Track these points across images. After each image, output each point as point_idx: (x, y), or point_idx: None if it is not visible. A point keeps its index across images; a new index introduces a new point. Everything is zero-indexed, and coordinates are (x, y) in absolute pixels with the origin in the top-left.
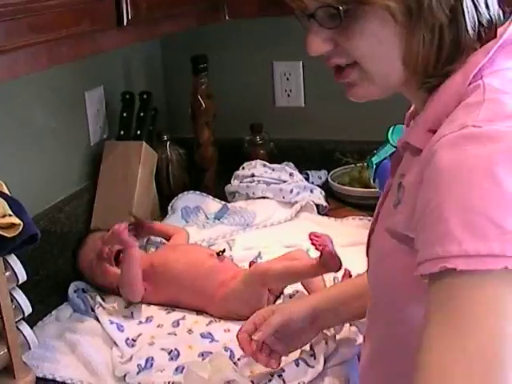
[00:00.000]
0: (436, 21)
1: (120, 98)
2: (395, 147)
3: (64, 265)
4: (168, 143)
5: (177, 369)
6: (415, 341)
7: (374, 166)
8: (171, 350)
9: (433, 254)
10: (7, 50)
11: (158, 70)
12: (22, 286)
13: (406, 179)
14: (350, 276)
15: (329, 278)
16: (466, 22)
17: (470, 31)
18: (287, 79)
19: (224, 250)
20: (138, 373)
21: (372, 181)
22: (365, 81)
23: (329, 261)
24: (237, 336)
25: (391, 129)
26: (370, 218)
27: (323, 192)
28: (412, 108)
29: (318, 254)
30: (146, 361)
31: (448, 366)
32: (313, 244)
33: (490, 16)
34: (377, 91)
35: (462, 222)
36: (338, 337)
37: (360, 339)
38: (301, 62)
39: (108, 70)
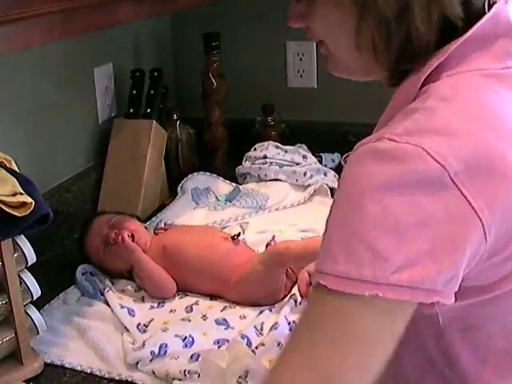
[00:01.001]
0: (382, 14)
1: (129, 76)
2: None
3: (71, 246)
4: (178, 122)
5: (192, 356)
6: None
7: None
8: (185, 337)
9: (316, 265)
10: (21, 18)
11: (168, 47)
12: (28, 268)
13: None
14: None
15: None
16: (415, 20)
17: (423, 29)
18: (300, 59)
19: (239, 234)
20: (151, 360)
21: None
22: (332, 60)
23: None
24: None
25: None
26: None
27: (337, 175)
28: None
29: None
30: (160, 347)
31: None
32: None
33: (462, 11)
34: (345, 72)
35: (342, 241)
36: None
37: None
38: (314, 43)
39: (118, 46)
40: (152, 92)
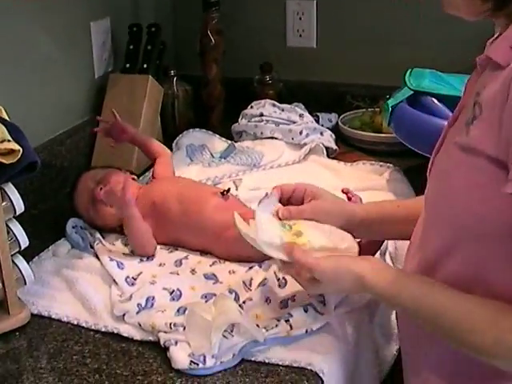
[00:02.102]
0: None
1: (127, 31)
2: (412, 90)
3: (64, 199)
4: (175, 79)
5: (178, 310)
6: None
7: (390, 109)
8: (173, 290)
9: None
10: None
11: (168, 2)
12: (18, 219)
13: (484, 96)
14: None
15: None
16: None
17: None
18: (300, 19)
19: (229, 189)
20: (137, 312)
21: (387, 124)
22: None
23: None
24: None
25: (408, 71)
26: (381, 163)
27: (333, 135)
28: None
29: None
30: (147, 300)
31: None
32: (348, 198)
33: None
34: (455, 11)
35: None
36: None
37: None
38: (314, 1)
39: (115, 0)
40: (149, 47)
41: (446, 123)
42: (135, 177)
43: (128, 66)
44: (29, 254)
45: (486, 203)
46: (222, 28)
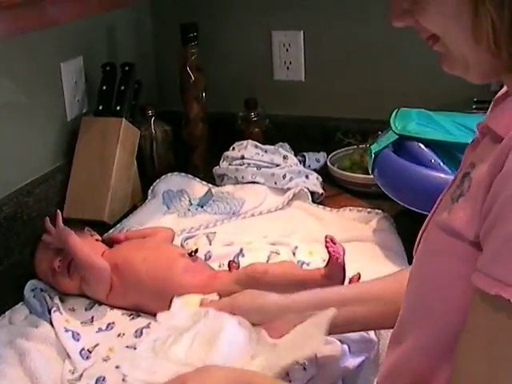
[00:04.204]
0: None
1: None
2: (398, 134)
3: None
4: (152, 119)
5: None
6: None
7: (373, 156)
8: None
9: (492, 271)
10: None
11: (146, 39)
12: None
13: (478, 170)
14: (359, 279)
15: None
16: None
17: None
18: (286, 50)
19: (197, 250)
20: None
21: (370, 171)
22: (448, 56)
23: (336, 273)
24: None
25: (394, 112)
26: (369, 209)
27: (320, 178)
28: (503, 89)
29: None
30: (97, 381)
31: None
32: (326, 247)
33: None
34: (463, 70)
35: None
36: (319, 356)
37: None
38: (302, 32)
39: (90, 38)
40: (122, 88)
41: (431, 172)
42: (99, 237)
43: (101, 107)
44: None
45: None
46: (203, 63)
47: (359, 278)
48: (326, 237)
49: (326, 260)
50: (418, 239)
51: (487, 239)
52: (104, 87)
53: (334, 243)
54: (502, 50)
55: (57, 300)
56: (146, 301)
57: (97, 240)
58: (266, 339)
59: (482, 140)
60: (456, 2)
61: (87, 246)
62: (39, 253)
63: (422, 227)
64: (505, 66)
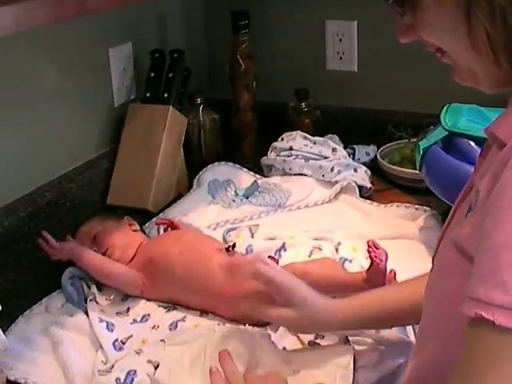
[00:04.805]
0: (490, 2)
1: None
2: (448, 131)
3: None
4: (201, 107)
5: None
6: None
7: (421, 152)
8: (158, 364)
9: (474, 292)
10: None
11: (198, 26)
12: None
13: (484, 182)
14: (395, 278)
15: None
16: None
17: None
18: (340, 40)
19: (234, 245)
20: None
21: (418, 168)
22: (457, 68)
23: (377, 278)
24: None
25: (445, 108)
26: (417, 206)
27: (368, 171)
28: None
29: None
30: (127, 375)
31: None
32: (368, 252)
33: None
34: (473, 80)
35: None
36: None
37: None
38: (355, 22)
39: (140, 24)
40: (170, 75)
41: None
42: (137, 227)
43: (149, 95)
44: (24, 305)
45: None
46: (253, 52)
47: (395, 275)
48: (368, 242)
49: (369, 259)
50: (435, 250)
51: (475, 257)
52: (152, 74)
53: (377, 248)
54: (500, 58)
55: (94, 289)
56: (181, 295)
57: (135, 230)
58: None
59: (492, 147)
60: (450, 14)
61: (98, 256)
62: (76, 241)
63: (439, 236)
64: (509, 74)
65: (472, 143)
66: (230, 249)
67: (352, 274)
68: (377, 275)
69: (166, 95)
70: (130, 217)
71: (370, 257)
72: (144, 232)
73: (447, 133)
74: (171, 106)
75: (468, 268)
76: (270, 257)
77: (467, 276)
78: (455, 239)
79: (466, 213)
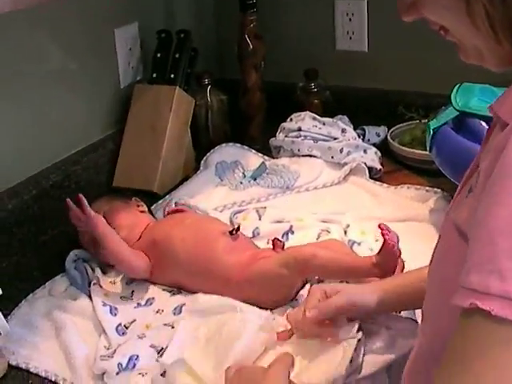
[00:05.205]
0: None
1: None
2: (458, 111)
3: None
4: (209, 88)
5: (162, 374)
6: None
7: (432, 132)
8: (161, 348)
9: (467, 281)
10: None
11: (205, 6)
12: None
13: (484, 163)
14: (403, 267)
15: None
16: None
17: None
18: (349, 20)
19: (238, 228)
20: (117, 373)
21: (428, 149)
22: (461, 45)
23: (388, 262)
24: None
25: (456, 87)
26: (427, 188)
27: (378, 152)
28: None
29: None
30: (129, 359)
31: None
32: (382, 235)
33: None
34: (477, 58)
35: None
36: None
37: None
38: (365, 1)
39: (146, 4)
40: (177, 55)
41: None
42: (145, 209)
43: (155, 75)
44: (27, 288)
45: None
46: (262, 31)
47: (403, 266)
48: (379, 225)
49: (379, 241)
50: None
51: (469, 244)
52: (158, 55)
53: (389, 231)
54: (500, 36)
55: (98, 272)
56: (185, 279)
57: (142, 211)
58: None
59: (495, 127)
60: None
61: (120, 241)
62: None
63: (445, 213)
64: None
65: (483, 123)
66: (234, 232)
67: (361, 258)
68: (389, 259)
69: (172, 76)
70: (137, 198)
71: (384, 239)
72: (152, 213)
73: (458, 113)
74: (178, 87)
75: (464, 249)
76: (274, 239)
77: (463, 258)
78: (455, 220)
79: (467, 193)
